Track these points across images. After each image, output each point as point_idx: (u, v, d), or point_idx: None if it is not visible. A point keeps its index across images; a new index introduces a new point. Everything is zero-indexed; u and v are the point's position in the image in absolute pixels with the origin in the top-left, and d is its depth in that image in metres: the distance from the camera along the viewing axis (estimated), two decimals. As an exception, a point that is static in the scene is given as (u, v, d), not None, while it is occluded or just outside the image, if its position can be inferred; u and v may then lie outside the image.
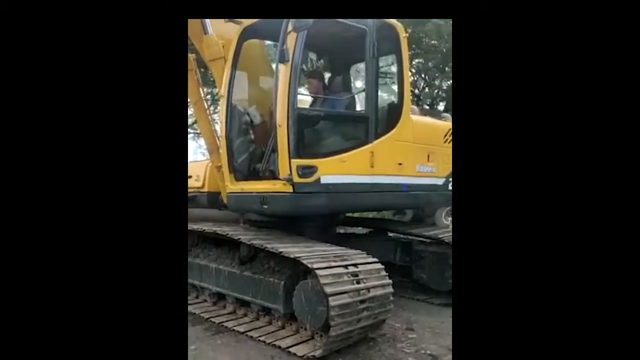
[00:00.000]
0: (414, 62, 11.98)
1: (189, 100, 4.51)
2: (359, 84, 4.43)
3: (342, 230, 5.34)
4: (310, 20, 3.07)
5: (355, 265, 2.95)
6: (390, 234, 4.88)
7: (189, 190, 4.69)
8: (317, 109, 3.88)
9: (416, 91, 12.69)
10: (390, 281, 3.02)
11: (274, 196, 3.42)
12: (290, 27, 3.17)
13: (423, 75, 12.95)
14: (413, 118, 4.06)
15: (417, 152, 4.01)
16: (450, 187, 4.34)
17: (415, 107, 5.38)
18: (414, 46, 10.85)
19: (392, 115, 3.88)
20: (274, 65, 3.46)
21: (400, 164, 3.84)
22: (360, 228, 5.47)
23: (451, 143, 4.31)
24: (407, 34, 3.95)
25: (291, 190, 3.29)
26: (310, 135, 3.55)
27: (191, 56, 4.43)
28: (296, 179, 3.27)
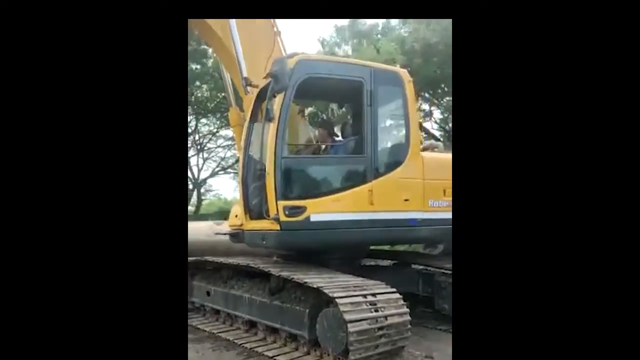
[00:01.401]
0: (443, 101, 12.26)
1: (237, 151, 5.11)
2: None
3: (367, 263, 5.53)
4: (287, 80, 3.51)
5: (373, 294, 3.20)
6: (414, 266, 5.04)
7: (233, 227, 5.06)
8: (302, 156, 4.38)
9: (447, 127, 12.90)
10: (408, 310, 3.22)
11: (268, 233, 3.85)
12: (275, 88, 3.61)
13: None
14: (425, 155, 4.32)
15: (429, 188, 4.22)
16: None
17: (440, 144, 5.62)
18: (442, 85, 11.14)
19: (397, 155, 4.17)
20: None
21: (406, 199, 4.07)
22: (386, 261, 5.64)
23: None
24: (412, 80, 4.26)
25: (278, 228, 3.69)
26: (301, 178, 3.96)
27: (242, 114, 5.08)
28: (283, 218, 3.66)
